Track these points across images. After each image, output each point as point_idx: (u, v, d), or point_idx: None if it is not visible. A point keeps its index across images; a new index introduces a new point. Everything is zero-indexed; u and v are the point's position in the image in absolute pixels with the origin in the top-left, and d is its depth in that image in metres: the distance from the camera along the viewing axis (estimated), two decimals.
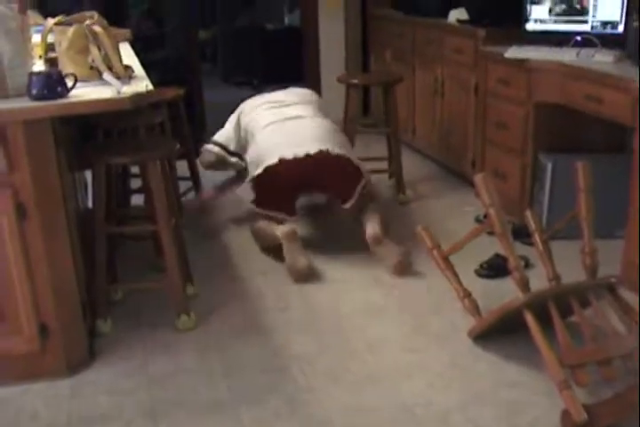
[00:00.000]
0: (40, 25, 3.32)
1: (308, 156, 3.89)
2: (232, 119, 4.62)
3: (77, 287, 2.87)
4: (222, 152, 4.57)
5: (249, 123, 4.37)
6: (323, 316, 3.38)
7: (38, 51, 3.11)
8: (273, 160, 3.92)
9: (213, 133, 4.74)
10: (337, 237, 4.28)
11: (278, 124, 4.14)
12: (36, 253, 2.71)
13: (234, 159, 4.61)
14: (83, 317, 2.94)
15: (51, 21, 2.96)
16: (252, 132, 4.28)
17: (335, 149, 3.96)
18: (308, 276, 3.71)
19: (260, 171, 3.94)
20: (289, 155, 3.90)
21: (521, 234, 3.67)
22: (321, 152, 3.92)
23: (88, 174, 3.89)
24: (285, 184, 4.01)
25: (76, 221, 3.09)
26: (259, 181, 4.01)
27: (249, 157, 4.21)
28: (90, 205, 3.46)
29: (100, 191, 3.09)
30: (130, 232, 3.80)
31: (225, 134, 4.61)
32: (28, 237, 2.68)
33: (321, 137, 4.03)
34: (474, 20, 4.76)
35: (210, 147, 4.58)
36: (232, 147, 4.56)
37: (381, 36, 6.15)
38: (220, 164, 4.65)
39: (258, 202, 4.05)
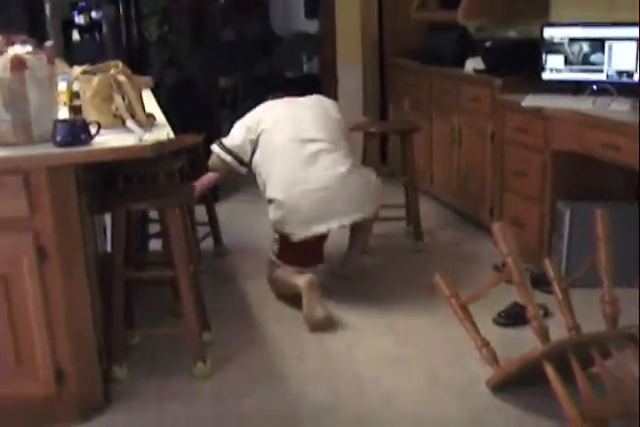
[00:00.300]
0: (66, 73, 3.38)
1: None
2: (244, 127, 4.15)
3: (94, 332, 2.88)
4: (235, 162, 4.20)
5: (268, 155, 4.03)
6: (338, 364, 3.36)
7: (63, 98, 3.17)
8: (304, 234, 3.89)
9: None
10: (351, 280, 4.28)
11: (307, 185, 3.87)
12: (55, 297, 2.73)
13: (244, 169, 4.24)
14: (99, 362, 2.94)
15: (77, 70, 3.01)
16: (269, 172, 4.01)
17: (370, 211, 4.00)
18: (324, 326, 3.69)
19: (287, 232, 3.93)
20: (322, 229, 3.90)
21: (540, 282, 3.65)
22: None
23: (107, 218, 3.92)
24: (315, 240, 4.00)
25: (95, 264, 3.11)
26: (283, 237, 3.98)
27: (269, 193, 3.98)
28: (108, 248, 3.48)
29: (119, 236, 3.12)
30: (148, 277, 3.81)
31: (237, 144, 4.15)
32: (47, 280, 2.70)
33: (356, 200, 3.93)
34: (490, 69, 4.80)
35: (223, 155, 4.19)
36: (246, 159, 4.18)
37: (399, 85, 6.21)
38: (228, 172, 4.34)
39: (283, 256, 4.02)
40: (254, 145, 4.08)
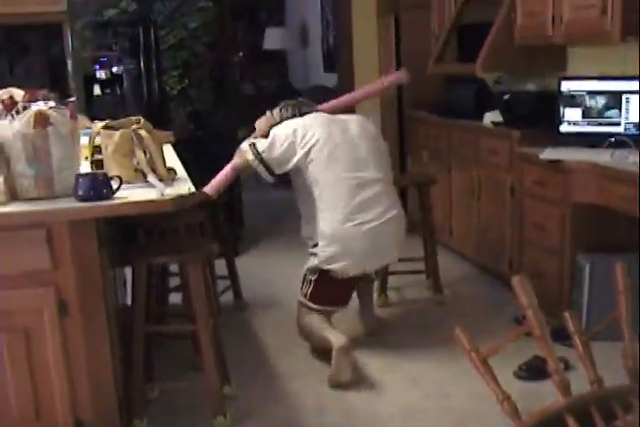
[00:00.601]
0: (88, 128, 3.43)
1: None
2: (288, 141, 3.93)
3: (114, 385, 2.88)
4: (266, 173, 4.00)
5: (324, 185, 3.91)
6: (360, 420, 3.34)
7: (85, 152, 3.21)
8: (354, 272, 3.92)
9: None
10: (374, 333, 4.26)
11: (366, 225, 3.86)
12: (76, 350, 2.74)
13: (272, 178, 4.07)
14: (119, 415, 2.93)
15: (98, 125, 3.07)
16: (322, 202, 3.91)
17: (397, 255, 4.12)
18: (346, 385, 3.66)
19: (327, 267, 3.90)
20: (375, 266, 4.06)
21: (560, 335, 3.62)
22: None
23: (127, 270, 3.94)
24: (354, 280, 4.01)
25: (115, 317, 3.12)
26: (321, 277, 3.96)
27: (322, 227, 3.91)
28: (128, 301, 3.49)
29: (139, 291, 3.13)
30: (168, 331, 3.81)
31: (275, 157, 3.95)
32: (68, 333, 2.72)
33: (395, 243, 4.02)
34: (508, 122, 4.84)
35: (255, 164, 3.98)
36: (277, 171, 4.01)
37: (418, 138, 6.25)
38: (252, 176, 4.26)
39: (315, 297, 3.96)
40: (300, 161, 3.93)
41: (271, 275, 5.30)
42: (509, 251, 4.79)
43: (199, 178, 3.22)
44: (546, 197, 4.25)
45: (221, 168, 4.14)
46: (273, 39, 10.40)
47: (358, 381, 3.69)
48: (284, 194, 8.26)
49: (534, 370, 3.56)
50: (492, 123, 4.99)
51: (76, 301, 2.69)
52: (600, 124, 4.27)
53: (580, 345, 2.97)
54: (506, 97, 4.90)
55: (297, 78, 10.68)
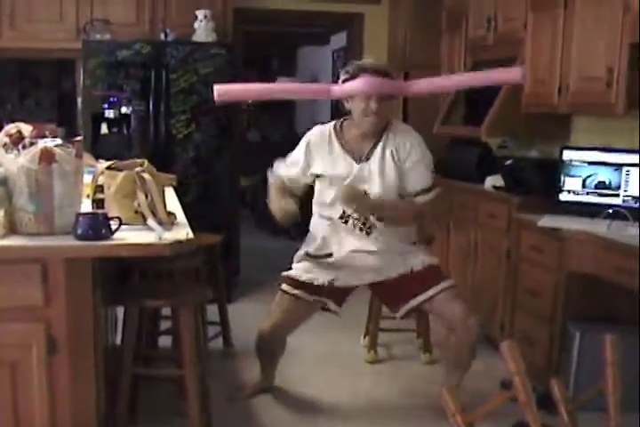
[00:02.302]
0: (92, 166, 3.46)
1: None
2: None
3: (97, 426, 2.86)
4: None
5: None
6: None
7: (87, 191, 3.23)
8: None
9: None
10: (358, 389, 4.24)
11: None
12: (61, 389, 2.72)
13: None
14: None
15: (103, 165, 3.09)
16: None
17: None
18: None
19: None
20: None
21: (546, 402, 3.61)
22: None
23: (119, 310, 3.93)
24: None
25: (104, 357, 3.11)
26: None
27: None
28: (117, 340, 3.48)
29: (130, 332, 3.14)
30: (155, 374, 3.80)
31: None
32: (54, 370, 2.70)
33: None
34: (509, 187, 4.88)
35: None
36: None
37: None
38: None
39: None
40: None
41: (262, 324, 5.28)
42: (501, 315, 4.79)
43: (198, 222, 3.23)
44: (541, 263, 4.27)
45: (220, 212, 4.13)
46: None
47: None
48: (283, 243, 8.30)
49: None
50: (494, 187, 5.03)
51: (65, 338, 2.68)
52: (599, 196, 4.30)
53: (565, 414, 2.97)
54: (508, 162, 4.95)
55: (304, 129, 10.77)
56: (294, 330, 4.07)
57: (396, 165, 3.73)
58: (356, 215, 3.74)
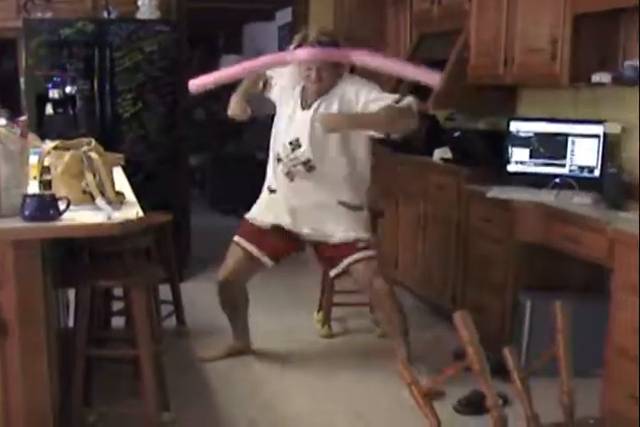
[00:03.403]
0: (38, 147, 3.41)
1: None
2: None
3: (52, 408, 2.83)
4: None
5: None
6: None
7: (34, 172, 3.19)
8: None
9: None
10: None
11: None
12: (13, 372, 2.69)
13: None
14: None
15: (49, 145, 3.04)
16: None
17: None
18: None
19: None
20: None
21: (500, 370, 3.65)
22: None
23: (70, 292, 3.90)
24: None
25: (56, 339, 3.09)
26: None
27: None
28: (70, 323, 3.45)
29: (82, 313, 3.11)
30: (109, 355, 3.78)
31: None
32: (6, 354, 2.67)
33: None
34: (457, 159, 4.91)
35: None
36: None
37: None
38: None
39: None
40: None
41: (215, 302, 5.26)
42: (453, 286, 4.84)
43: (148, 202, 3.20)
44: (491, 234, 4.32)
45: (169, 191, 4.20)
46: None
47: (300, 411, 3.70)
48: (233, 221, 8.27)
49: (473, 404, 3.59)
50: (442, 159, 5.06)
51: (16, 321, 2.64)
52: (546, 165, 4.35)
53: (518, 381, 3.00)
54: (456, 134, 4.98)
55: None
56: (249, 278, 4.29)
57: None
58: (290, 158, 3.96)
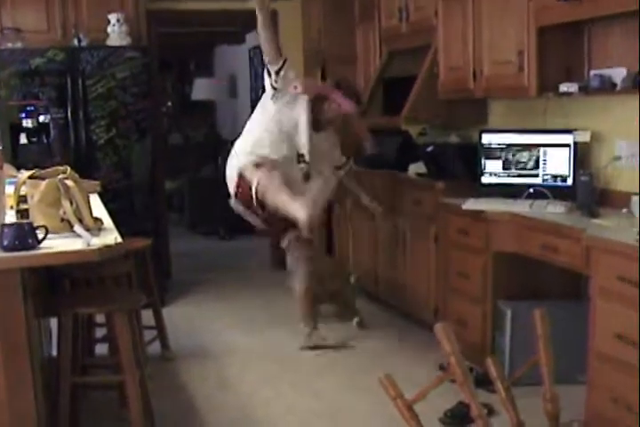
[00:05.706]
0: (14, 177, 3.41)
1: None
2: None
3: None
4: None
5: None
6: None
7: (11, 202, 3.19)
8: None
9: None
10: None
11: None
12: None
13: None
14: None
15: (25, 174, 3.05)
16: None
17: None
18: None
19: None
20: None
21: (484, 381, 3.68)
22: None
23: (52, 321, 3.89)
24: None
25: (40, 368, 3.08)
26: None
27: None
28: (53, 352, 3.45)
29: (65, 341, 3.11)
30: (94, 383, 3.77)
31: None
32: None
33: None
34: (432, 173, 4.95)
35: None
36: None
37: (342, 187, 6.31)
38: None
39: None
40: None
41: (198, 325, 5.29)
42: (435, 299, 4.86)
43: (125, 226, 3.21)
44: (468, 246, 4.35)
45: (147, 217, 4.22)
46: (202, 89, 10.46)
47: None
48: (213, 242, 8.29)
49: (459, 416, 3.61)
50: (417, 174, 5.10)
51: None
52: (519, 176, 4.40)
53: (502, 390, 3.03)
54: (429, 149, 5.01)
55: (225, 129, 10.75)
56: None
57: None
58: None
